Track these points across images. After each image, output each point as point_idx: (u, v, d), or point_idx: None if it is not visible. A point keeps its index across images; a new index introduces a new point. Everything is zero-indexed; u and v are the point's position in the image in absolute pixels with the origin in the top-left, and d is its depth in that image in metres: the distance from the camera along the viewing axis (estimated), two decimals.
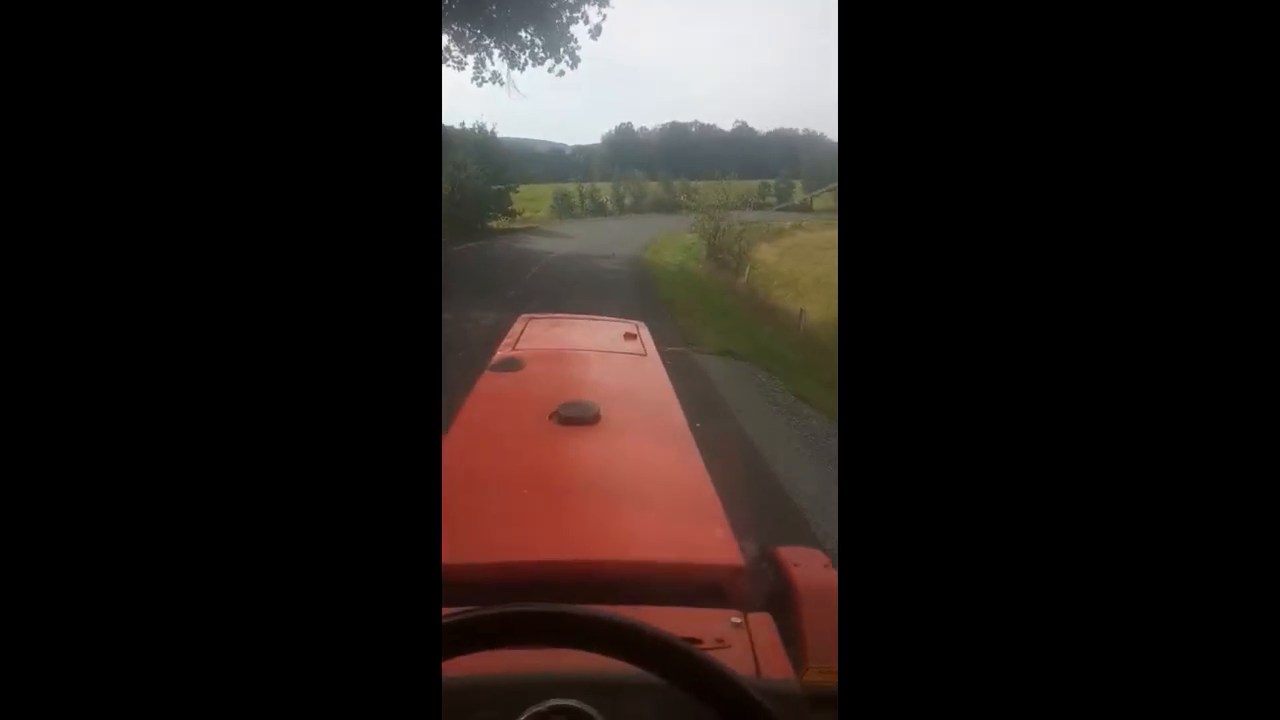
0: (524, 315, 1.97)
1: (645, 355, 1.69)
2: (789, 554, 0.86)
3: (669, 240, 16.58)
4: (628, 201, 28.66)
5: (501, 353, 1.59)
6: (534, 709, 0.51)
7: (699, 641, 0.44)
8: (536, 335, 1.80)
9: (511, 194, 18.35)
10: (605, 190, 28.24)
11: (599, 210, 26.25)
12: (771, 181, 34.12)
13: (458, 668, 0.47)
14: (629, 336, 1.82)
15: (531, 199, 26.39)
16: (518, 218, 18.89)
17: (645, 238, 16.85)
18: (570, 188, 26.81)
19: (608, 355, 1.67)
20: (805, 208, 27.05)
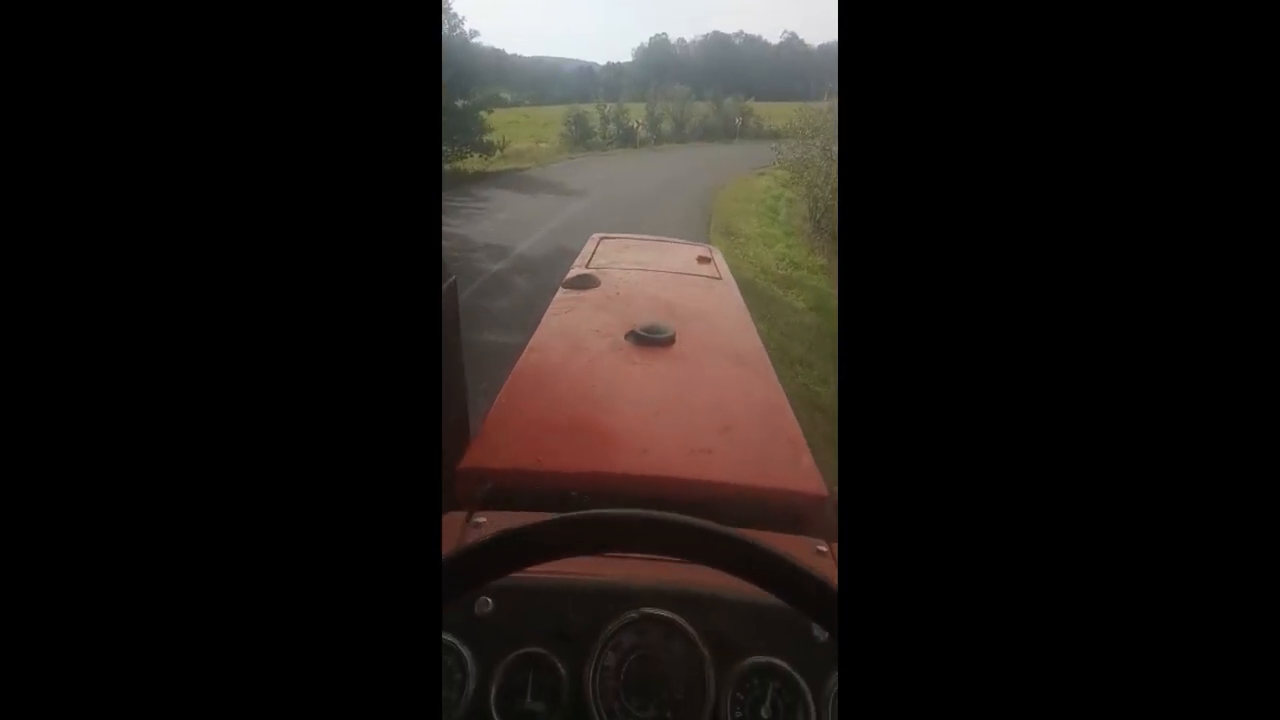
0: (596, 235, 1.94)
1: (720, 279, 1.64)
2: None
3: (738, 192, 9.97)
4: (666, 127, 21.62)
5: (575, 269, 1.57)
6: (627, 615, 0.54)
7: None
8: (609, 254, 1.77)
9: (485, 117, 11.69)
10: (637, 112, 21.11)
11: (627, 139, 19.29)
12: None
13: (552, 569, 0.48)
14: (703, 260, 1.78)
15: (544, 124, 19.76)
16: (499, 153, 12.17)
17: (698, 188, 10.23)
18: (589, 109, 19.71)
19: (681, 277, 1.63)
20: None
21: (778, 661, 0.52)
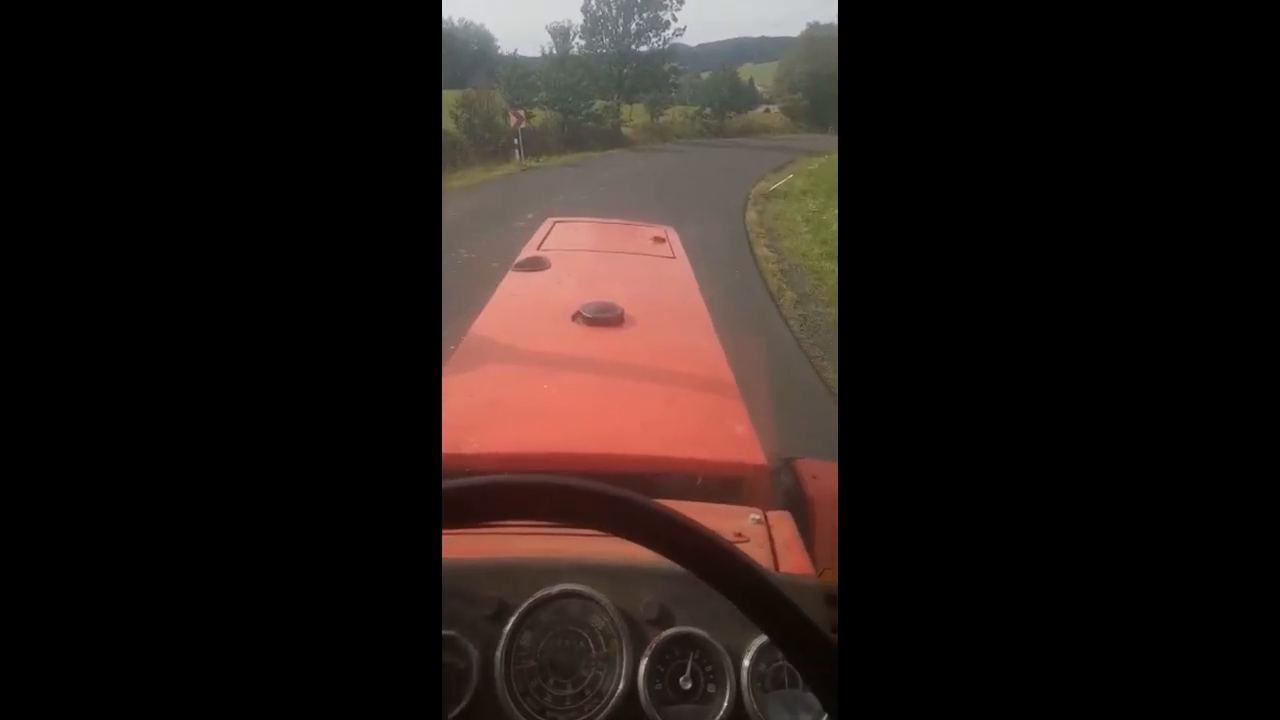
0: (550, 218, 1.95)
1: (674, 258, 1.67)
2: (807, 466, 0.89)
3: None
4: None
5: (526, 253, 1.57)
6: (542, 591, 0.53)
7: None
8: (562, 237, 1.79)
9: None
10: None
11: None
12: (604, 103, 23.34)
13: (466, 550, 0.52)
14: (658, 240, 1.80)
15: None
16: None
17: None
18: None
19: (634, 257, 1.67)
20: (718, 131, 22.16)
21: (696, 631, 0.53)
